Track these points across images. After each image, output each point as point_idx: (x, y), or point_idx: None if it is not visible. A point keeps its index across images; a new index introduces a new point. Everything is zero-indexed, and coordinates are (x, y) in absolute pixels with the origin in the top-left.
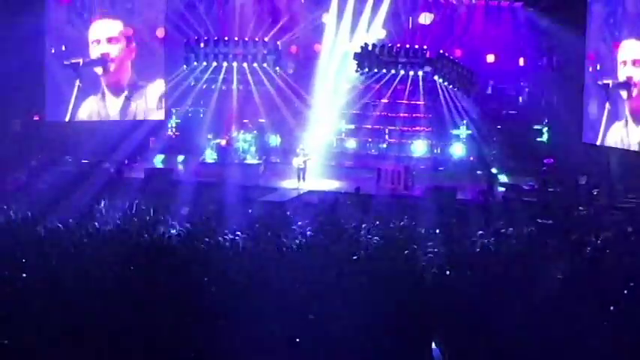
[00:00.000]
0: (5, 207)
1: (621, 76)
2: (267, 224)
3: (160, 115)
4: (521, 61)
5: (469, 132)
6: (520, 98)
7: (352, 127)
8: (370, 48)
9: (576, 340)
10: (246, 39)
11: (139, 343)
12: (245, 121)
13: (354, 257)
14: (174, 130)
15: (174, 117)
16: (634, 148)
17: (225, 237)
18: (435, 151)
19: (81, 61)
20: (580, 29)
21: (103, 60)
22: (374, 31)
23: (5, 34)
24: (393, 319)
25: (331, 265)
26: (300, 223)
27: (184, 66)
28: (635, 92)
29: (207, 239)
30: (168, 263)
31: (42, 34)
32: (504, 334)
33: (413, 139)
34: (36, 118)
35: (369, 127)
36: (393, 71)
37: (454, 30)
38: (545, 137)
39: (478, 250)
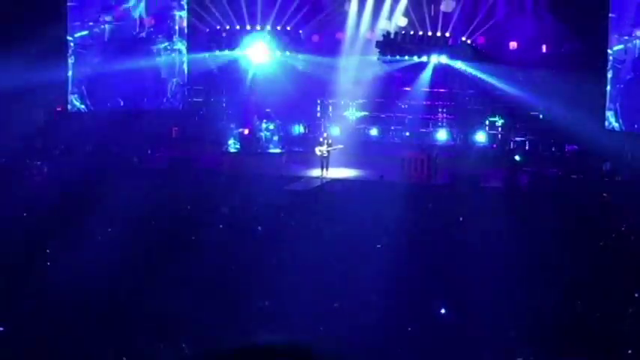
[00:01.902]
0: None
1: None
2: None
3: (182, 105)
4: (544, 48)
5: (490, 120)
6: (543, 85)
7: (375, 115)
8: (392, 36)
9: (603, 325)
10: (269, 28)
11: None
12: (267, 110)
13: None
14: (202, 119)
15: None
16: None
17: None
18: (458, 138)
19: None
20: (603, 15)
21: None
22: (396, 19)
23: (27, 26)
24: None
25: None
26: None
27: (207, 54)
28: None
29: None
30: None
31: (64, 24)
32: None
33: (436, 126)
34: (58, 108)
35: (392, 115)
36: (415, 59)
37: (476, 17)
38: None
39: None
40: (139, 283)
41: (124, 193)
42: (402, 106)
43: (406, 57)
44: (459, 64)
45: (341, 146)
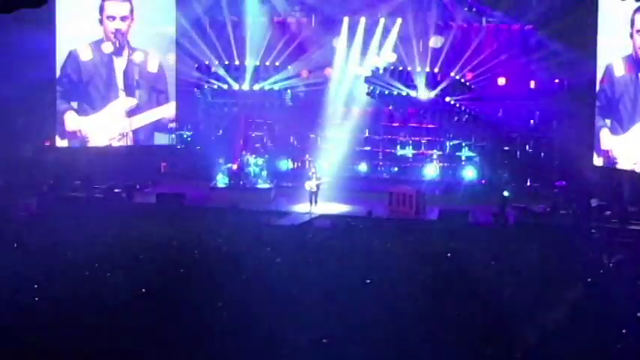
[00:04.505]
0: None
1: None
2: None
3: (171, 140)
4: (532, 84)
5: (478, 156)
6: (531, 121)
7: (363, 150)
8: (381, 71)
9: None
10: (257, 63)
11: None
12: (257, 145)
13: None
14: (190, 154)
15: (185, 142)
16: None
17: None
18: (447, 174)
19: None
20: (592, 50)
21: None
22: (384, 55)
23: (15, 58)
24: None
25: None
26: None
27: (196, 90)
28: None
29: None
30: None
31: (52, 56)
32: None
33: (424, 162)
34: (47, 143)
35: (381, 150)
36: (404, 94)
37: (465, 53)
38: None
39: (491, 273)
40: (129, 321)
41: (112, 229)
42: (391, 142)
43: (395, 93)
44: (447, 100)
45: (327, 179)
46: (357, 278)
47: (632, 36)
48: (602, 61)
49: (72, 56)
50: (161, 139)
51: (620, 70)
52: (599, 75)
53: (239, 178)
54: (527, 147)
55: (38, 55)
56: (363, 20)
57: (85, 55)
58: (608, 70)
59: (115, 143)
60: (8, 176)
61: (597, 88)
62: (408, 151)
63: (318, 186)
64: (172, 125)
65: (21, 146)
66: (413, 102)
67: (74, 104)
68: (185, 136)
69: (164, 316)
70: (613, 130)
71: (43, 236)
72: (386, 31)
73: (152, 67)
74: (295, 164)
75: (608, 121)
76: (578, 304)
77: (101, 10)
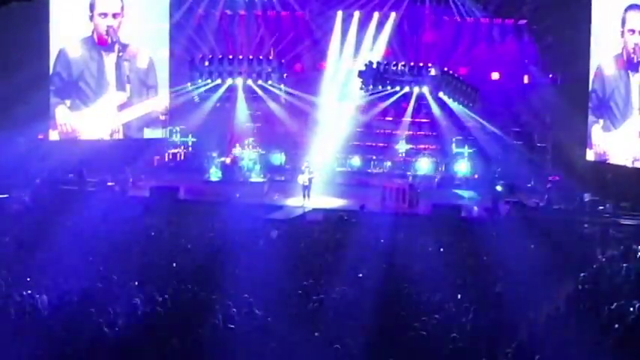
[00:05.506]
0: None
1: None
2: None
3: (163, 134)
4: (525, 79)
5: (471, 150)
6: (525, 115)
7: (357, 144)
8: (375, 66)
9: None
10: (251, 57)
11: None
12: (250, 139)
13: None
14: (184, 148)
15: (178, 135)
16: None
17: None
18: (440, 168)
19: None
20: (585, 46)
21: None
22: (378, 49)
23: (9, 50)
24: None
25: None
26: None
27: (189, 84)
28: None
29: None
30: None
31: (46, 49)
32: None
33: (417, 156)
34: (40, 137)
35: (374, 144)
36: (397, 89)
37: (459, 47)
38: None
39: (482, 268)
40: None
41: (106, 222)
42: (384, 136)
43: (388, 87)
44: (440, 95)
45: (318, 172)
46: (349, 272)
47: (622, 35)
48: (594, 59)
49: (62, 54)
50: (154, 132)
51: (610, 69)
52: (592, 74)
53: (232, 171)
54: (520, 142)
55: (32, 51)
56: (356, 15)
57: (76, 52)
58: (599, 70)
59: (107, 137)
60: (1, 169)
61: (590, 87)
62: (402, 146)
63: (310, 180)
64: (163, 118)
65: (14, 139)
66: (406, 96)
67: (67, 102)
68: (178, 129)
69: (157, 309)
70: (605, 128)
71: (36, 229)
72: (380, 25)
73: (142, 63)
74: (288, 158)
75: (601, 121)
76: (571, 299)
77: (92, 7)
